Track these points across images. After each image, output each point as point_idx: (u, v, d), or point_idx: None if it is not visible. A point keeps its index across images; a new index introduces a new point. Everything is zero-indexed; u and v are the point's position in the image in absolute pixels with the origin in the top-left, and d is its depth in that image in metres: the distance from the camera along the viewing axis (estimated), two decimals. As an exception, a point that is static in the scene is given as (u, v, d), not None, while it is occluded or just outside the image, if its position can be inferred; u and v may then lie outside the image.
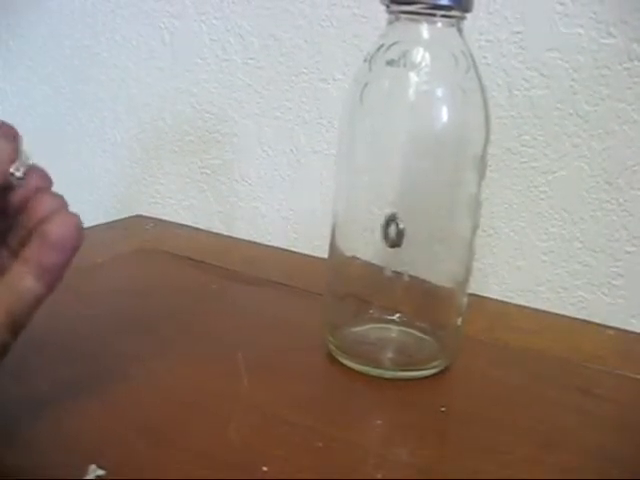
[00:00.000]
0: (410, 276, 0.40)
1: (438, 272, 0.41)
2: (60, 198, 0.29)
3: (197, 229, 0.69)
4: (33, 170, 0.29)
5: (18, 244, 0.28)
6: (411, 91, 0.37)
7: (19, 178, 0.28)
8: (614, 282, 0.52)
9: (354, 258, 0.41)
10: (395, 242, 0.38)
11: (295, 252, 0.63)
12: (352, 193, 0.40)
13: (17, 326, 0.27)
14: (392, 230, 0.38)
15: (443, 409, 0.36)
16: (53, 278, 0.27)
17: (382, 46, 0.37)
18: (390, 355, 0.40)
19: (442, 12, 0.36)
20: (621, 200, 0.50)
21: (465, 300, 0.41)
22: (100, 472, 0.28)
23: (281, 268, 0.57)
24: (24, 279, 0.27)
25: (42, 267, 0.27)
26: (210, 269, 0.55)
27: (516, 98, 0.52)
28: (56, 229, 0.27)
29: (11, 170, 0.27)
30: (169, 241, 0.63)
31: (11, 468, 0.29)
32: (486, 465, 0.31)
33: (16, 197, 0.28)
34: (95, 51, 0.74)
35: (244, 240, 0.66)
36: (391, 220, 0.38)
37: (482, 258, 0.55)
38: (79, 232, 0.28)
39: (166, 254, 0.58)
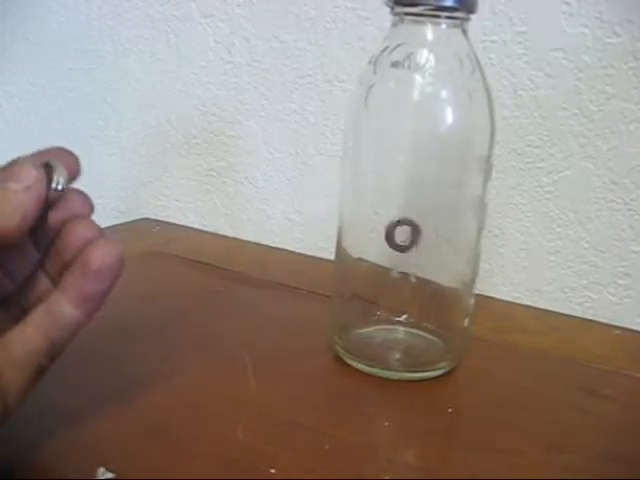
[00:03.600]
0: (417, 277, 0.40)
1: (445, 273, 0.41)
2: (97, 226, 0.28)
3: (203, 231, 0.69)
4: (75, 193, 0.29)
5: (56, 271, 0.28)
6: (416, 93, 0.37)
7: (57, 190, 0.27)
8: (620, 282, 0.52)
9: (361, 260, 0.41)
10: (405, 246, 0.39)
11: (301, 254, 0.63)
12: (358, 195, 0.40)
13: (55, 351, 0.28)
14: (398, 234, 0.38)
15: (450, 410, 0.36)
16: (93, 307, 0.28)
17: (387, 48, 0.37)
18: (397, 356, 0.40)
19: (446, 13, 0.36)
20: (627, 199, 0.50)
21: (472, 301, 0.41)
22: (109, 475, 0.28)
23: (287, 270, 0.57)
24: (64, 307, 0.27)
25: (82, 296, 0.27)
26: (216, 271, 0.55)
27: (521, 98, 0.52)
28: (97, 258, 0.27)
29: (52, 185, 0.27)
30: (176, 244, 0.63)
31: (19, 469, 0.29)
32: (493, 466, 0.31)
33: (55, 217, 0.28)
34: (100, 54, 0.75)
35: (250, 242, 0.67)
36: (397, 224, 0.38)
37: (488, 259, 0.55)
38: (120, 261, 0.27)
39: (173, 256, 0.58)
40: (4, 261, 0.28)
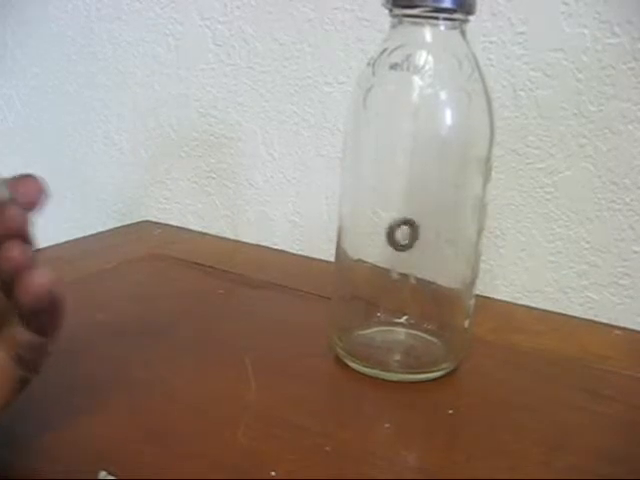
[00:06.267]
0: (417, 278, 0.40)
1: (445, 274, 0.41)
2: (26, 252, 0.25)
3: (204, 234, 0.69)
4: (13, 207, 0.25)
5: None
6: (415, 95, 0.37)
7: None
8: (621, 282, 0.52)
9: (360, 261, 0.41)
10: (404, 245, 0.39)
11: (302, 255, 0.63)
12: (358, 196, 0.40)
13: (30, 365, 0.28)
14: (399, 234, 0.38)
15: (451, 411, 0.36)
16: (50, 333, 0.28)
17: (385, 50, 0.37)
18: (398, 358, 0.40)
19: (445, 15, 0.36)
20: (627, 200, 0.50)
21: (472, 302, 0.41)
22: (110, 477, 0.28)
23: (288, 271, 0.57)
24: (23, 332, 0.27)
25: (34, 328, 0.27)
26: (217, 273, 0.55)
27: (521, 99, 0.52)
28: (29, 298, 0.25)
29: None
30: (176, 246, 0.63)
31: (20, 472, 0.29)
32: (494, 467, 0.31)
33: None
34: (101, 57, 0.75)
35: (251, 244, 0.67)
36: (399, 225, 0.38)
37: (489, 259, 0.55)
38: (52, 291, 0.26)
39: (174, 259, 0.58)
40: None
